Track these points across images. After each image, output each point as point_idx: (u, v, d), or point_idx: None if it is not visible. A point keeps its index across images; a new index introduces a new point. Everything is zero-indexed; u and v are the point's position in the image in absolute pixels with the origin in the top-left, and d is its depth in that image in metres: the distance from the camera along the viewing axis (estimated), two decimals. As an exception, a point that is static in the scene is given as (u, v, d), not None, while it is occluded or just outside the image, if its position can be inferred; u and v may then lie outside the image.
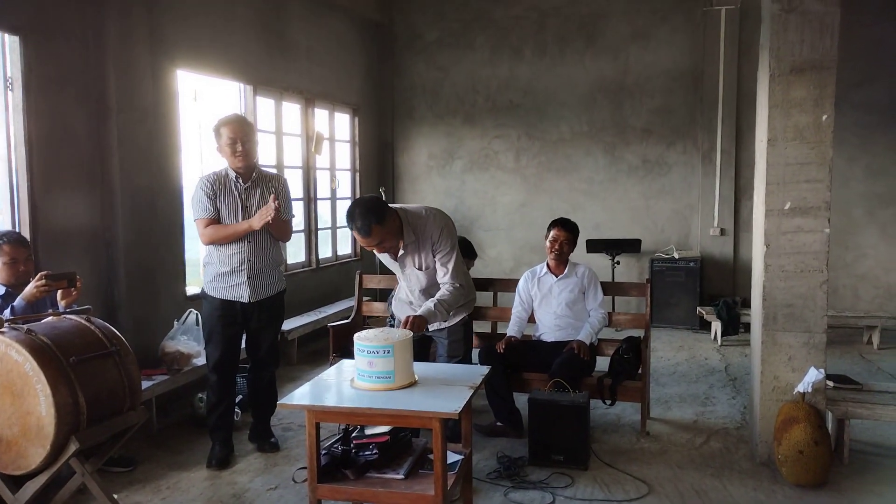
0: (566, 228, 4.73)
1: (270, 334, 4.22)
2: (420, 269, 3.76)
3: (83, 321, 3.17)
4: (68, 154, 4.44)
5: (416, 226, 3.67)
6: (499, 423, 4.51)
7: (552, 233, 4.73)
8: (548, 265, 4.78)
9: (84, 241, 4.53)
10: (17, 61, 4.11)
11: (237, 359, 4.19)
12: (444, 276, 3.72)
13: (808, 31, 3.81)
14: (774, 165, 3.90)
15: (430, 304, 3.62)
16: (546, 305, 4.75)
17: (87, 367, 2.99)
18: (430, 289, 3.80)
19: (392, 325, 4.31)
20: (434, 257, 3.72)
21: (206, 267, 4.09)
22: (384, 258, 3.85)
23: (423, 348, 3.96)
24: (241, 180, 4.00)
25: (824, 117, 3.82)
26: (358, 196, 8.28)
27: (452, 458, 3.10)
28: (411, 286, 3.85)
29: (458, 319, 3.90)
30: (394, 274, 4.13)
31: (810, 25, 3.81)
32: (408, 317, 3.48)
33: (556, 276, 4.74)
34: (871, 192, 7.58)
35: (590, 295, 4.70)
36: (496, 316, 5.07)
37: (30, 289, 3.39)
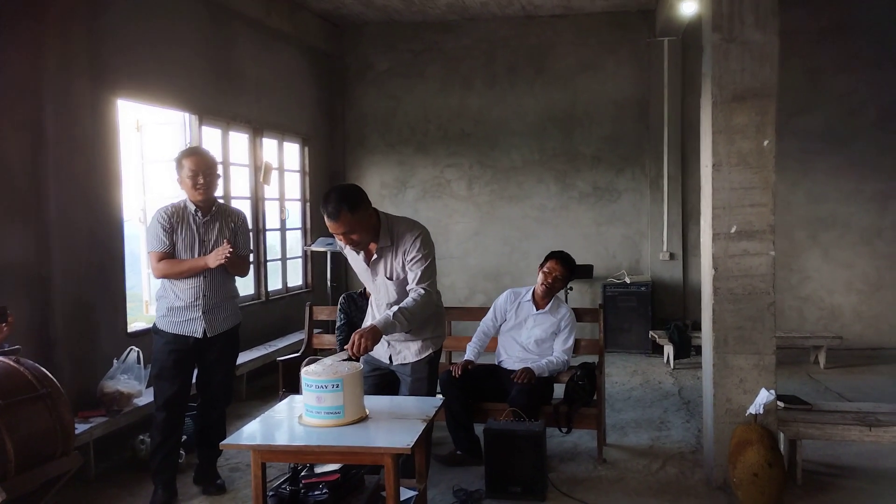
0: (563, 265, 4.61)
1: (224, 369, 4.10)
2: (390, 277, 3.45)
3: (11, 362, 3.00)
4: (0, 186, 4.24)
5: (394, 229, 3.41)
6: (458, 452, 4.42)
7: (548, 264, 4.62)
8: (534, 293, 4.68)
9: (17, 277, 4.31)
10: (-55, 90, 3.94)
11: (188, 396, 4.03)
12: (412, 282, 3.37)
13: (748, 59, 3.92)
14: (719, 190, 3.97)
15: (388, 312, 3.26)
16: (515, 333, 4.67)
17: (16, 412, 2.82)
18: (398, 304, 3.42)
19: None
20: (405, 265, 3.40)
21: (159, 301, 3.96)
22: (357, 265, 3.54)
23: (389, 385, 3.64)
24: (199, 214, 3.91)
25: (766, 142, 3.91)
26: (310, 223, 8.17)
27: (406, 494, 3.01)
28: (379, 299, 3.54)
29: (424, 356, 3.54)
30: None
31: (750, 54, 3.92)
32: (356, 332, 3.12)
33: (537, 309, 4.64)
34: (813, 216, 7.82)
35: (560, 337, 4.60)
36: (452, 345, 5.00)
37: (-44, 328, 3.19)
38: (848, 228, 7.78)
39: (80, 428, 4.09)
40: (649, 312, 7.68)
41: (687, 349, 7.03)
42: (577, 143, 8.33)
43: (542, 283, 4.61)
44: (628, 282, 7.84)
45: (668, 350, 7.14)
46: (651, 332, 7.45)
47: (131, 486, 4.21)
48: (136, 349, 4.66)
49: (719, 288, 3.97)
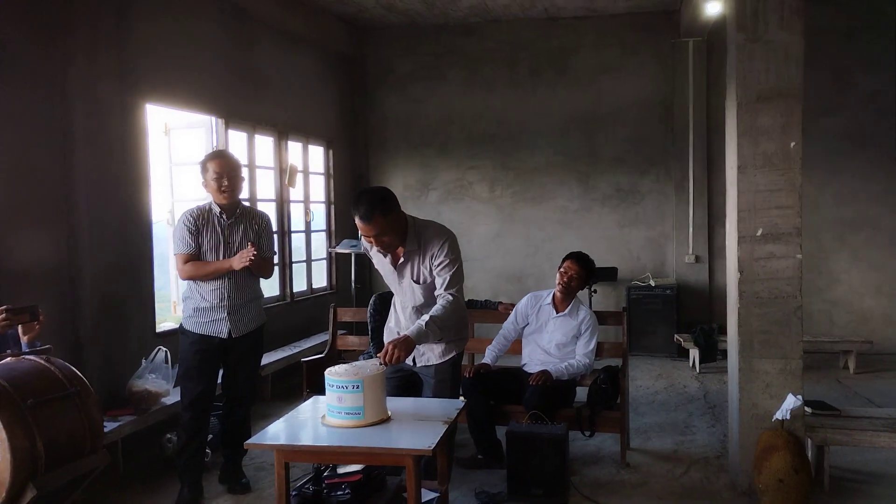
0: (579, 263, 4.59)
1: (249, 369, 4.15)
2: (417, 281, 3.44)
3: (42, 362, 3.05)
4: (32, 189, 4.33)
5: (422, 234, 3.42)
6: (480, 456, 4.42)
7: (564, 264, 4.61)
8: (553, 296, 4.67)
9: (48, 278, 4.40)
10: (-20, 96, 4.04)
11: (213, 395, 4.09)
12: (440, 288, 3.38)
13: (772, 59, 3.88)
14: (745, 192, 3.93)
15: (420, 321, 3.26)
16: (537, 337, 4.66)
17: (46, 410, 2.87)
18: (423, 307, 3.46)
19: (372, 355, 4.17)
20: (433, 270, 3.41)
21: (185, 302, 4.02)
22: (383, 268, 3.54)
23: (412, 386, 3.63)
24: (224, 216, 3.96)
25: (792, 144, 3.86)
26: (334, 225, 8.24)
27: (427, 496, 3.02)
28: (405, 302, 3.55)
29: (447, 358, 3.53)
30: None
31: (775, 54, 3.87)
32: (390, 342, 3.14)
33: (557, 312, 4.62)
34: (842, 217, 7.69)
35: (582, 341, 4.56)
36: (474, 347, 5.00)
37: (-10, 324, 3.26)
38: (877, 230, 7.64)
39: (109, 426, 4.16)
40: (674, 315, 7.61)
41: (713, 353, 6.94)
42: (599, 144, 8.28)
43: (559, 283, 4.59)
44: (653, 284, 7.78)
45: (694, 354, 7.07)
46: (676, 336, 7.38)
47: (158, 483, 4.28)
48: (164, 349, 4.74)
49: (745, 291, 3.93)
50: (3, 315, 3.23)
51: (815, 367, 6.66)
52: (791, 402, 3.72)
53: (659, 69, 8.11)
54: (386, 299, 4.78)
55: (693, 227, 8.02)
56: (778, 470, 3.61)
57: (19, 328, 3.37)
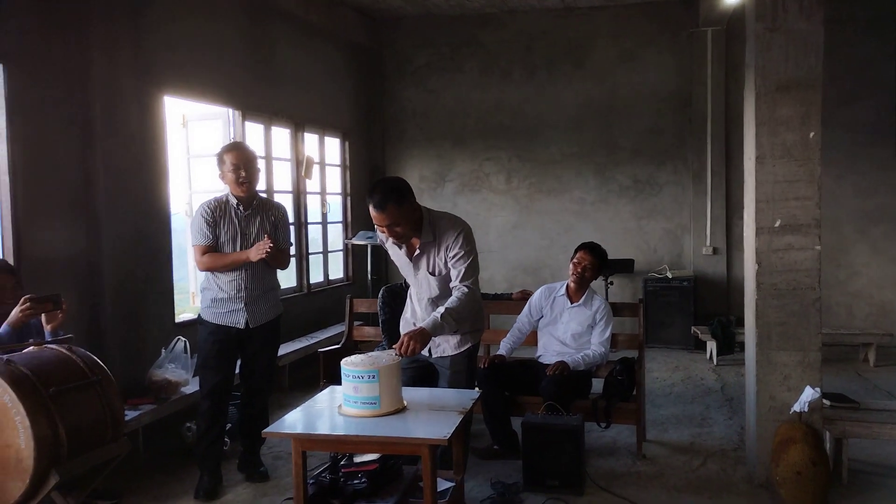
0: (592, 253, 4.62)
1: (266, 359, 4.19)
2: (433, 273, 3.45)
3: (64, 350, 3.11)
4: (52, 181, 4.40)
5: (437, 225, 3.42)
6: (496, 447, 4.43)
7: (577, 255, 4.64)
8: (567, 287, 4.69)
9: (69, 269, 4.47)
10: (1, 88, 4.09)
11: (231, 385, 4.14)
12: (455, 280, 3.39)
13: (792, 49, 3.83)
14: (763, 183, 3.89)
15: (436, 314, 3.27)
16: (552, 329, 4.67)
17: (68, 398, 2.92)
18: (439, 299, 3.46)
19: (386, 348, 4.20)
20: (448, 262, 3.41)
21: (203, 292, 4.07)
22: (399, 259, 3.55)
23: (428, 377, 3.64)
24: (241, 207, 4.00)
25: (811, 135, 3.82)
26: (350, 217, 8.27)
27: (443, 485, 3.03)
28: (420, 294, 3.56)
29: (463, 349, 3.54)
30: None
31: (794, 44, 3.82)
32: (406, 334, 3.19)
33: (571, 303, 4.63)
34: (861, 210, 7.59)
35: (597, 330, 4.57)
36: (490, 339, 5.01)
37: (15, 313, 3.32)
38: (899, 222, 7.54)
39: (130, 415, 4.22)
40: (692, 308, 7.57)
41: (730, 345, 6.91)
42: (616, 135, 8.23)
43: (573, 274, 4.61)
44: (670, 276, 7.74)
45: (711, 346, 7.04)
46: (693, 328, 7.34)
47: (178, 471, 4.34)
48: (183, 339, 4.79)
49: (762, 283, 3.90)
50: (27, 304, 3.29)
51: (834, 360, 6.59)
52: (809, 394, 3.70)
53: (676, 59, 8.04)
54: (395, 291, 4.82)
55: (711, 219, 7.96)
56: (796, 462, 3.59)
57: (42, 317, 3.43)
